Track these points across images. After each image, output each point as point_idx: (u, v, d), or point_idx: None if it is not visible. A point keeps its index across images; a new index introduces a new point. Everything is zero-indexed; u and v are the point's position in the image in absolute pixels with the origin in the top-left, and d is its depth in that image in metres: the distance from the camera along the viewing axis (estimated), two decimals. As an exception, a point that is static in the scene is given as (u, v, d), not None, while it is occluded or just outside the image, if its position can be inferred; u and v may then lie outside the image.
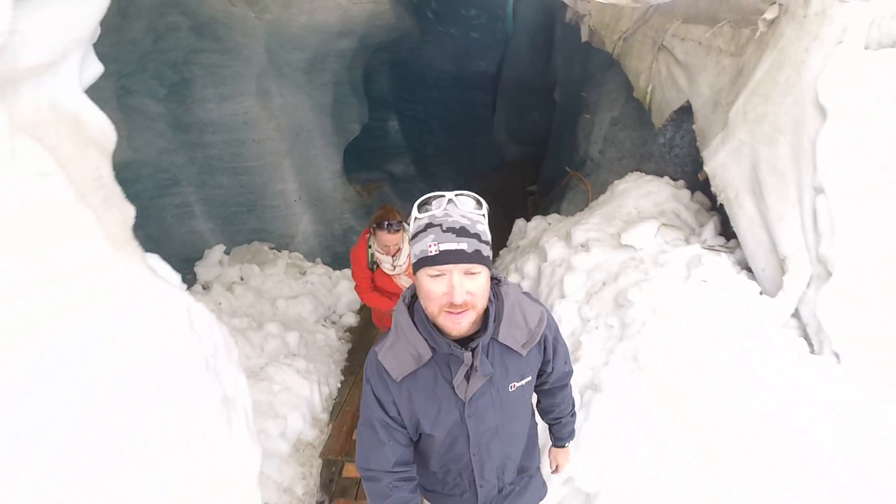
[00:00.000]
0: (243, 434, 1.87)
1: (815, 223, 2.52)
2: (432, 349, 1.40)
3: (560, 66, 8.66)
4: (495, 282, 1.48)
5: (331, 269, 6.37)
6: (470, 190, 1.39)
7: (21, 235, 0.94)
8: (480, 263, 1.28)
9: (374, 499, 1.57)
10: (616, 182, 4.73)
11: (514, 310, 1.47)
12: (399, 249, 3.22)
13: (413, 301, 1.47)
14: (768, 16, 3.27)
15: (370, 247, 3.28)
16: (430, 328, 1.37)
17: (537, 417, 1.96)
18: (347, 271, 5.85)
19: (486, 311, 1.40)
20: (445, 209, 1.30)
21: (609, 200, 4.54)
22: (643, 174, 4.63)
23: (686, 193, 4.21)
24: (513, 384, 1.51)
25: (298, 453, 3.59)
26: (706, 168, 3.28)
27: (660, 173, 4.60)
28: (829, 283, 2.38)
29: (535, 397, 1.84)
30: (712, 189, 3.24)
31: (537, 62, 10.07)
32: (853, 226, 2.35)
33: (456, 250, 1.25)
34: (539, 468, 1.89)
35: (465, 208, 1.32)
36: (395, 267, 3.27)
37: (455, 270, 1.26)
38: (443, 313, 1.30)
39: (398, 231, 3.07)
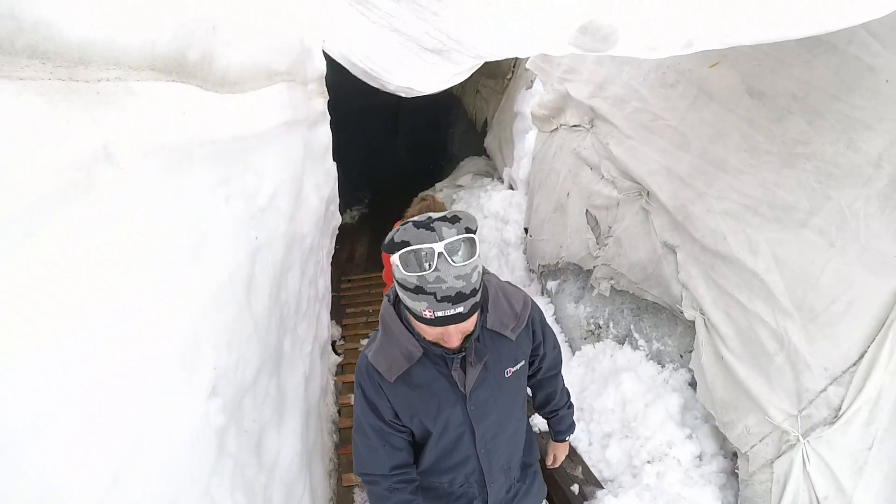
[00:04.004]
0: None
1: (514, 156, 6.60)
2: (423, 347, 1.35)
3: (441, 99, 12.85)
4: None
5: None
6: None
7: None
8: (475, 313, 1.23)
9: (375, 502, 1.52)
10: (460, 162, 8.81)
11: (498, 296, 1.45)
12: None
13: (398, 299, 1.38)
14: (508, 77, 7.45)
15: None
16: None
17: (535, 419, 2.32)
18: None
19: None
20: (437, 271, 1.11)
21: (456, 170, 8.59)
22: (474, 157, 8.73)
23: (492, 162, 8.32)
24: (508, 369, 1.47)
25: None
26: (484, 144, 7.38)
27: (483, 154, 8.71)
28: (513, 168, 6.42)
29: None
30: (487, 152, 7.34)
31: (427, 96, 14.12)
32: (521, 154, 6.42)
33: (453, 315, 1.16)
34: (539, 463, 1.86)
35: (458, 262, 1.12)
36: None
37: (452, 328, 1.21)
38: (438, 340, 1.29)
39: None
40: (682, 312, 2.87)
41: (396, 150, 15.12)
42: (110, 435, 1.00)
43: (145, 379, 1.10)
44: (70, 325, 0.93)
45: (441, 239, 1.12)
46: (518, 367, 1.50)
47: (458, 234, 1.14)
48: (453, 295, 1.13)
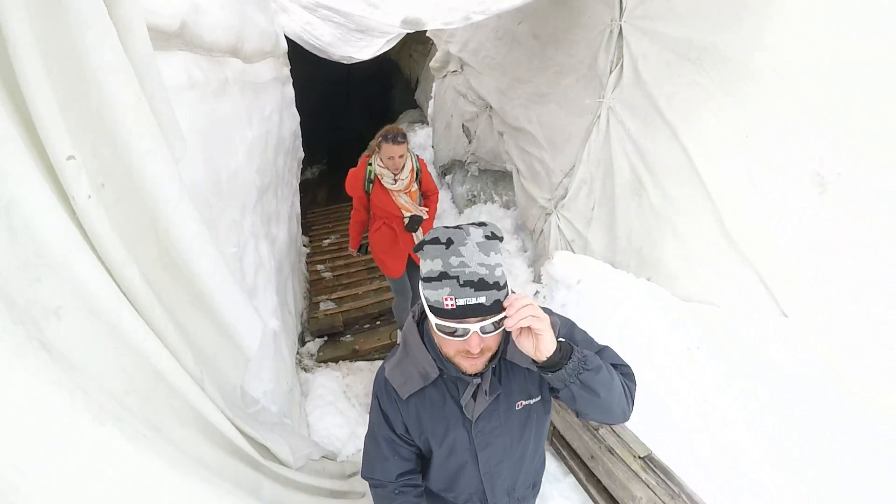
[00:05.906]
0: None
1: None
2: (440, 369, 1.37)
3: (383, 66, 14.69)
4: None
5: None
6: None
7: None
8: (498, 313, 1.16)
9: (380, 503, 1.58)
10: (399, 115, 10.77)
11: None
12: (403, 166, 3.42)
13: (423, 318, 1.42)
14: (431, 43, 9.39)
15: (370, 165, 3.49)
16: (440, 353, 1.33)
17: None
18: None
19: None
20: (462, 256, 1.13)
21: (397, 121, 10.56)
22: (410, 110, 10.70)
23: (423, 112, 10.30)
24: (520, 402, 1.44)
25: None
26: (415, 97, 9.36)
27: (417, 107, 10.68)
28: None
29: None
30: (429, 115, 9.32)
31: (374, 64, 15.85)
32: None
33: (475, 305, 1.13)
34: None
35: (482, 251, 1.14)
36: (396, 181, 3.43)
37: (473, 332, 1.17)
38: (458, 356, 1.26)
39: (403, 142, 3.33)
40: (507, 169, 4.99)
41: (349, 115, 16.88)
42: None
43: (243, 157, 3.12)
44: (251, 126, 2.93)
45: (468, 234, 1.15)
46: (532, 401, 1.46)
47: (484, 234, 1.16)
48: (476, 280, 1.12)
